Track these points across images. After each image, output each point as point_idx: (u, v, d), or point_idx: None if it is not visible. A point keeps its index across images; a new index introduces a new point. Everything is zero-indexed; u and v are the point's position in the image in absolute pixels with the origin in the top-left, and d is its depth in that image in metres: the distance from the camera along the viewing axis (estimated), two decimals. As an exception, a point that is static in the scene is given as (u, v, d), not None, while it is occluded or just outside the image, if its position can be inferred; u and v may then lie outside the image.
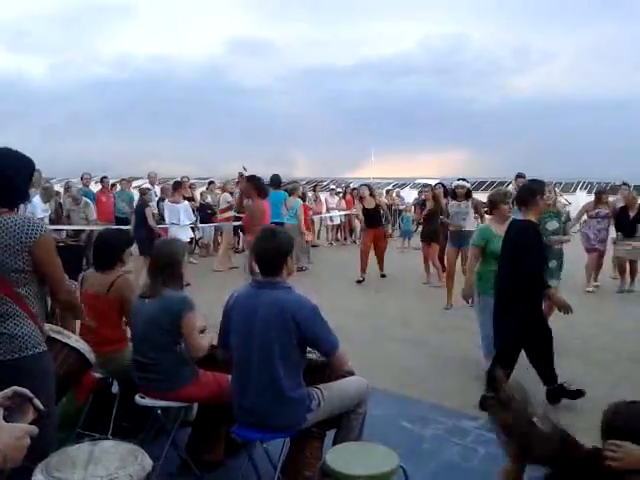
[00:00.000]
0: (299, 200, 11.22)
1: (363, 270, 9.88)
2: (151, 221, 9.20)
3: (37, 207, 9.77)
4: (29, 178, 2.56)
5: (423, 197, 10.22)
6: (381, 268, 10.13)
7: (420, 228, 10.87)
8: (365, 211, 9.90)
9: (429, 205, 9.41)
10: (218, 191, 13.48)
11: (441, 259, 9.42)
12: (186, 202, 10.18)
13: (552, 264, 5.61)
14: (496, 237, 4.88)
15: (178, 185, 10.28)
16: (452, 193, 8.27)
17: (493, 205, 5.18)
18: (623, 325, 6.86)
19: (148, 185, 12.72)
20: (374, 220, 9.92)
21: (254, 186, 6.88)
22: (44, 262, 2.45)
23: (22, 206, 2.66)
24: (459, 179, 8.32)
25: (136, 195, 12.92)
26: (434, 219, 9.01)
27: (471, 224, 7.67)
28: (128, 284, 3.61)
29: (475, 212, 7.87)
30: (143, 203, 9.45)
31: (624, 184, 10.71)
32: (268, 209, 7.11)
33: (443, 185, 9.86)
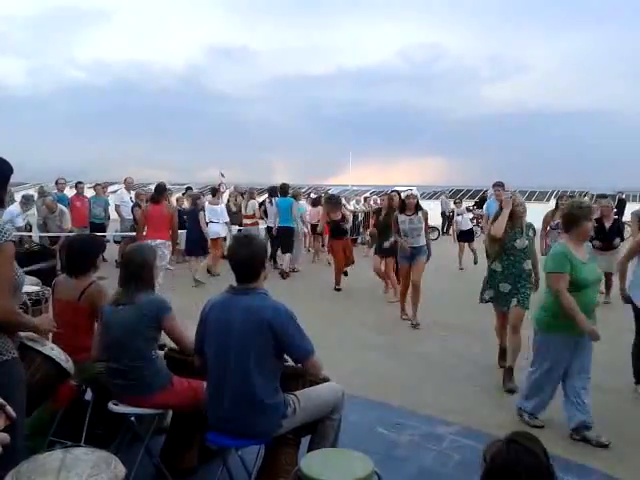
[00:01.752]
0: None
1: (338, 282, 9.98)
2: (204, 225, 10.15)
3: (15, 214, 9.69)
4: (5, 182, 2.49)
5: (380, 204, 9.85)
6: (338, 282, 10.00)
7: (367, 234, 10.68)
8: (332, 222, 10.10)
9: (383, 213, 8.90)
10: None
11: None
12: (222, 205, 11.71)
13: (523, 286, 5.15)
14: (579, 263, 3.84)
15: (216, 190, 11.87)
16: (401, 204, 7.58)
17: (572, 222, 3.91)
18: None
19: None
20: (340, 230, 10.06)
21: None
22: None
23: None
24: (408, 188, 7.74)
25: (111, 200, 12.77)
26: (388, 232, 8.30)
27: (423, 239, 7.41)
28: (101, 291, 3.54)
29: (426, 225, 7.42)
30: (197, 208, 10.38)
31: (603, 196, 10.99)
32: (153, 214, 8.19)
33: (398, 193, 8.57)
